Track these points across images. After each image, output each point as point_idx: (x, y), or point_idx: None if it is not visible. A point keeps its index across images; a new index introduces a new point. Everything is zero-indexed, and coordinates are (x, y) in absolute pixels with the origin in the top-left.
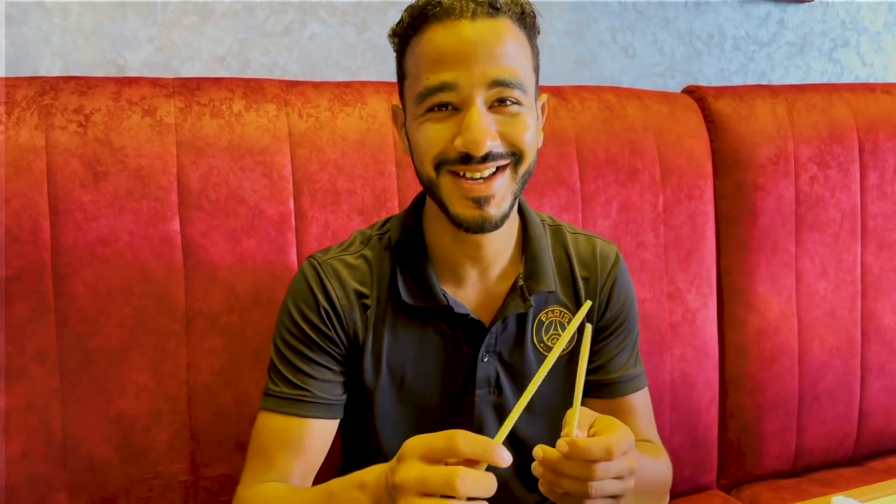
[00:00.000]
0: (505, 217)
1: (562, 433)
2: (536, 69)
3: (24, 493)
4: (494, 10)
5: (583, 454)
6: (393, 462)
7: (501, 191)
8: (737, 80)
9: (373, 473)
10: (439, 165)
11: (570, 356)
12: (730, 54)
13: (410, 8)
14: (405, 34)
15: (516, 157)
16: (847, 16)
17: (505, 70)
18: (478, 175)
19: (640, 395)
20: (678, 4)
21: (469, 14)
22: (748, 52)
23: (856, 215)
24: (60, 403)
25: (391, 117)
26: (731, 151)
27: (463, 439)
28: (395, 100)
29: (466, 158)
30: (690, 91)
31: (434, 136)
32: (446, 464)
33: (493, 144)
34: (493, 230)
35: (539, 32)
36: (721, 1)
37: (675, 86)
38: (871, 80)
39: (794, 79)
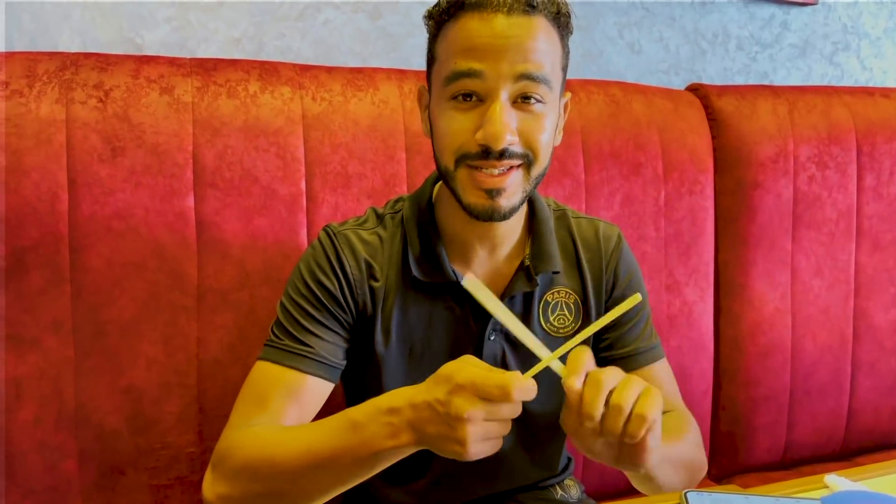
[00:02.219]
0: (514, 209)
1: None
2: (565, 69)
3: (35, 460)
4: (531, 7)
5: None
6: (431, 385)
7: (513, 186)
8: (739, 80)
9: (400, 397)
10: (459, 160)
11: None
12: (733, 54)
13: None
14: (440, 18)
15: (529, 158)
16: (849, 20)
17: (533, 65)
18: (493, 170)
19: (659, 364)
20: (684, 3)
21: (505, 9)
22: (751, 53)
23: (851, 215)
24: (73, 373)
25: (416, 97)
26: (732, 149)
27: (518, 393)
28: (407, 87)
29: (485, 153)
30: (694, 89)
31: (456, 126)
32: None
33: (512, 140)
34: (501, 220)
35: (572, 32)
36: (726, 1)
37: (678, 83)
38: (871, 85)
39: (795, 80)
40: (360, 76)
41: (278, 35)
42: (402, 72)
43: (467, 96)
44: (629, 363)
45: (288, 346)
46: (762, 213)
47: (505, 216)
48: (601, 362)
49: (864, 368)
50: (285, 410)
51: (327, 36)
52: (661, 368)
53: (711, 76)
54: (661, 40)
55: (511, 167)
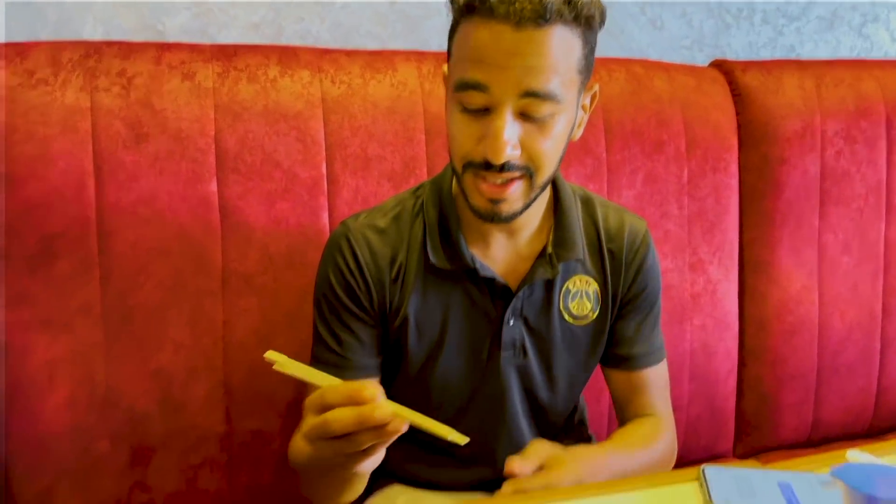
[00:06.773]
0: (516, 214)
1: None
2: (588, 66)
3: (68, 441)
4: (542, 19)
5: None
6: None
7: (515, 195)
8: (765, 55)
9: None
10: (466, 165)
11: (595, 325)
12: (759, 28)
13: None
14: (458, 14)
15: (530, 171)
16: None
17: (538, 82)
18: (496, 180)
19: (656, 369)
20: None
21: (514, 21)
22: (777, 26)
23: (881, 191)
24: (103, 357)
25: (442, 79)
26: (757, 125)
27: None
28: (425, 68)
29: (487, 165)
30: (718, 65)
31: (463, 133)
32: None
33: (512, 154)
34: (504, 223)
35: (602, 24)
36: None
37: (702, 59)
38: None
39: (823, 54)
40: (379, 59)
41: (297, 19)
42: (421, 53)
43: (474, 104)
44: (631, 364)
45: (330, 361)
46: (788, 189)
47: (507, 220)
48: (607, 356)
49: (893, 346)
50: None
51: (346, 19)
52: (657, 373)
53: (736, 51)
54: (685, 15)
55: (512, 178)
